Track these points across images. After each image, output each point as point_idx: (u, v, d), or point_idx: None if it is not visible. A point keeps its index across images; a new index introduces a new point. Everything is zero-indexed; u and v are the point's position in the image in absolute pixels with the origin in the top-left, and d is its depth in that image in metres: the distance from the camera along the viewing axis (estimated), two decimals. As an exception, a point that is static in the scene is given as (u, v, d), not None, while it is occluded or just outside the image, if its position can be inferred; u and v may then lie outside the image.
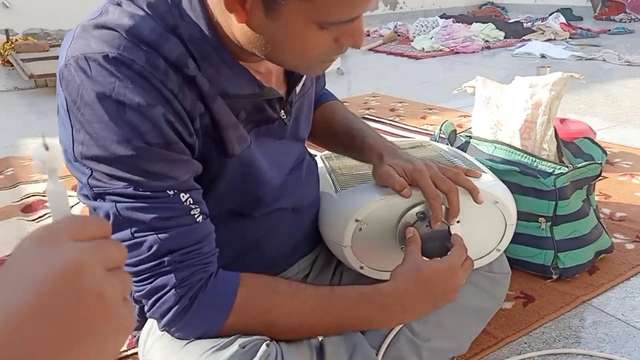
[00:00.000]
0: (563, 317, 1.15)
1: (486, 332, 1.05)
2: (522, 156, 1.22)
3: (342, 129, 1.01)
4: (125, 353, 1.10)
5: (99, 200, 0.69)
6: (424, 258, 0.81)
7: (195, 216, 0.71)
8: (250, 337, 0.74)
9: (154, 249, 0.68)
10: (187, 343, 0.74)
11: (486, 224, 0.90)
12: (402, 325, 0.90)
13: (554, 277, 1.24)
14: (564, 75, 1.20)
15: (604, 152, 1.36)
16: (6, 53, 4.26)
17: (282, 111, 0.81)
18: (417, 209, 0.85)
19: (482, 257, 0.93)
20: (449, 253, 0.81)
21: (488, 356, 1.04)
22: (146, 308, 0.74)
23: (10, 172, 2.12)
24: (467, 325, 0.97)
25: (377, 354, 0.88)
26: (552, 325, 1.12)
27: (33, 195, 1.88)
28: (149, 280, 0.70)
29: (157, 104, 0.65)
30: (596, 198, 1.37)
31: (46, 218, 1.70)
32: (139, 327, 0.93)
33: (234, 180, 0.77)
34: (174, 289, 0.70)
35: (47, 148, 0.34)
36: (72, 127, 0.67)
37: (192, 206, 0.71)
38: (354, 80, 3.70)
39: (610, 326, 1.11)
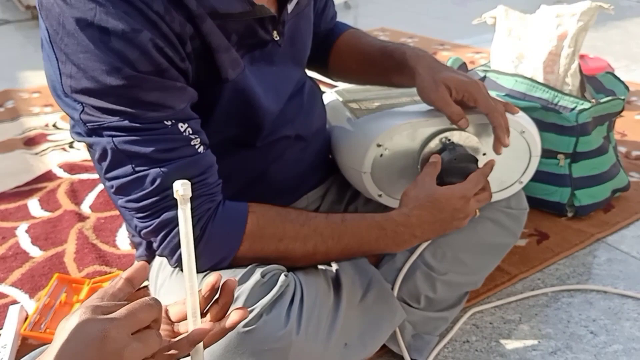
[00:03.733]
0: (577, 255, 1.13)
1: (500, 268, 1.04)
2: (544, 91, 1.18)
3: (375, 50, 0.94)
4: (136, 285, 1.10)
5: (94, 136, 0.66)
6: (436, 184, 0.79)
7: (196, 146, 0.68)
8: (268, 267, 0.73)
9: (157, 182, 0.66)
10: (203, 278, 0.73)
11: (511, 155, 0.87)
12: (416, 258, 0.89)
13: (570, 215, 1.23)
14: (593, 5, 1.13)
15: (627, 87, 1.30)
16: (0, -17, 4.10)
17: (275, 32, 0.77)
18: (443, 135, 0.82)
19: (505, 188, 0.91)
20: (466, 180, 0.78)
21: (501, 291, 1.03)
22: (155, 245, 0.72)
23: (10, 105, 2.07)
24: (484, 260, 0.96)
25: (392, 287, 0.87)
26: (566, 262, 1.11)
27: (35, 129, 1.84)
28: (155, 215, 0.68)
29: (143, 28, 0.61)
30: (614, 136, 1.33)
31: (49, 151, 1.67)
32: (148, 262, 0.92)
33: (231, 107, 0.74)
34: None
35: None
36: (57, 59, 0.63)
37: (192, 136, 0.67)
38: (361, 14, 3.58)
39: (624, 263, 1.10)
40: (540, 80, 1.20)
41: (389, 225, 0.76)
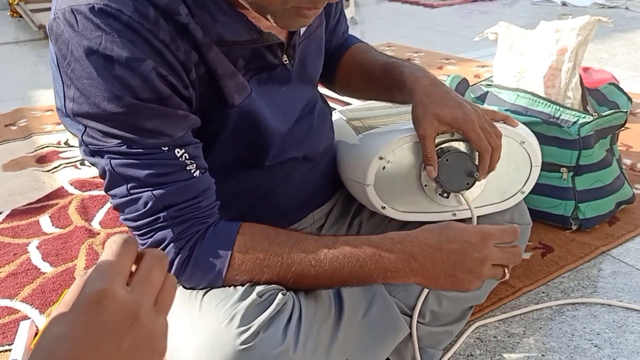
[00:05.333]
0: (582, 268, 1.14)
1: (504, 281, 1.04)
2: (546, 105, 1.19)
3: (378, 67, 0.94)
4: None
5: (95, 156, 0.69)
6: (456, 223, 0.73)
7: (192, 171, 0.70)
8: (266, 287, 0.73)
9: (149, 205, 0.68)
10: (205, 294, 0.74)
11: (512, 165, 0.89)
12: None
13: (574, 227, 1.23)
14: (591, 20, 1.15)
15: (630, 99, 1.31)
16: (15, 3, 4.19)
17: (285, 56, 0.78)
18: (443, 147, 0.83)
19: (507, 199, 0.92)
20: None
21: (506, 305, 1.04)
22: None
23: (23, 123, 2.11)
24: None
25: (412, 313, 0.86)
26: (571, 276, 1.12)
27: (47, 147, 1.88)
28: (149, 235, 0.70)
29: (147, 57, 0.62)
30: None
31: (61, 169, 1.70)
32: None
33: (238, 130, 0.75)
34: (172, 243, 0.70)
35: None
36: (62, 82, 0.65)
37: (188, 161, 0.69)
38: (367, 29, 3.61)
39: (629, 276, 1.10)
40: (542, 94, 1.21)
41: (384, 243, 0.71)
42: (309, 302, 0.76)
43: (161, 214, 0.69)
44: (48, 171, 1.69)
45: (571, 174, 1.19)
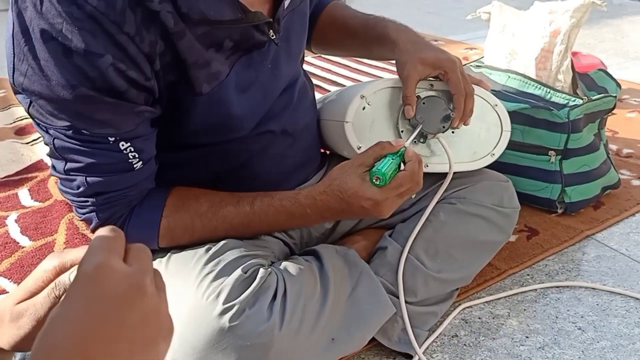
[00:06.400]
0: (566, 251, 1.14)
1: (490, 263, 1.04)
2: (536, 87, 1.18)
3: (357, 22, 0.96)
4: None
5: (40, 129, 0.68)
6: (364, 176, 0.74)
7: (133, 164, 0.70)
8: (250, 262, 0.74)
9: (81, 189, 0.70)
10: (171, 256, 0.78)
11: (484, 126, 0.93)
12: (408, 254, 0.89)
13: (559, 211, 1.23)
14: (586, 2, 1.14)
15: (618, 85, 1.31)
16: (-8, -30, 4.05)
17: (271, 31, 0.76)
18: (421, 95, 0.87)
19: (478, 160, 0.94)
20: (396, 175, 0.74)
21: (491, 287, 1.04)
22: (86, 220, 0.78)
23: (2, 94, 2.05)
24: (476, 258, 0.96)
25: (396, 287, 0.86)
26: (555, 259, 1.12)
27: (26, 118, 1.82)
28: (80, 212, 0.74)
29: (106, 52, 0.60)
30: (606, 133, 1.34)
31: (40, 141, 1.66)
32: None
33: (205, 115, 0.74)
34: (99, 226, 0.74)
35: None
36: (14, 54, 0.63)
37: (131, 155, 0.69)
38: (354, 7, 3.57)
39: (613, 260, 1.11)
40: (533, 76, 1.20)
41: (296, 209, 0.77)
42: (293, 279, 0.76)
43: (90, 199, 0.72)
44: (27, 143, 1.65)
45: (559, 157, 1.19)
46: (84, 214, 0.74)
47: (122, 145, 0.68)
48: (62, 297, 0.35)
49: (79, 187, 0.70)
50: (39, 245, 1.17)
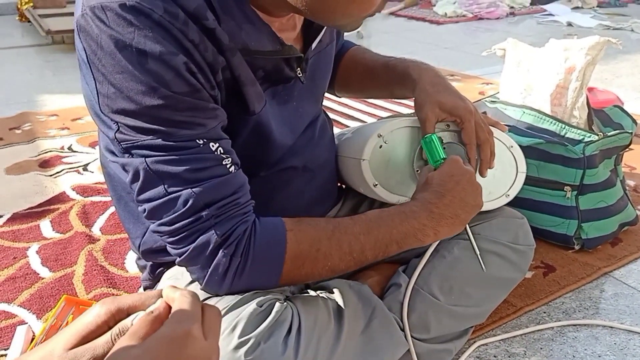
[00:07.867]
0: (584, 288, 1.13)
1: (505, 300, 1.03)
2: (551, 122, 1.19)
3: (378, 64, 0.98)
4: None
5: (127, 156, 0.67)
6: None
7: (228, 166, 0.69)
8: (265, 296, 0.74)
9: (189, 203, 0.66)
10: (205, 299, 0.73)
11: (499, 167, 0.93)
12: (423, 291, 0.88)
13: (576, 247, 1.22)
14: (601, 40, 1.15)
15: (634, 121, 1.31)
16: (24, 8, 4.22)
17: (299, 69, 0.79)
18: (440, 134, 0.88)
19: (492, 200, 0.94)
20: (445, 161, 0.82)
21: (507, 324, 1.03)
22: (194, 277, 0.72)
23: (27, 127, 2.11)
24: (491, 295, 0.95)
25: (401, 317, 0.86)
26: (572, 296, 1.11)
27: (50, 151, 1.88)
28: (190, 239, 0.67)
29: (179, 52, 0.63)
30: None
31: (63, 174, 1.70)
32: (151, 287, 0.93)
33: (250, 138, 0.75)
34: (221, 250, 0.67)
35: None
36: (94, 79, 0.65)
37: (223, 156, 0.68)
38: (373, 44, 3.63)
39: (631, 298, 1.09)
40: (548, 112, 1.21)
41: (405, 207, 0.78)
42: (308, 314, 0.76)
43: (203, 213, 0.66)
44: (50, 176, 1.69)
45: (575, 192, 1.19)
46: (195, 239, 0.67)
47: (213, 146, 0.67)
48: (123, 338, 0.42)
49: (186, 203, 0.65)
50: (58, 276, 1.19)
